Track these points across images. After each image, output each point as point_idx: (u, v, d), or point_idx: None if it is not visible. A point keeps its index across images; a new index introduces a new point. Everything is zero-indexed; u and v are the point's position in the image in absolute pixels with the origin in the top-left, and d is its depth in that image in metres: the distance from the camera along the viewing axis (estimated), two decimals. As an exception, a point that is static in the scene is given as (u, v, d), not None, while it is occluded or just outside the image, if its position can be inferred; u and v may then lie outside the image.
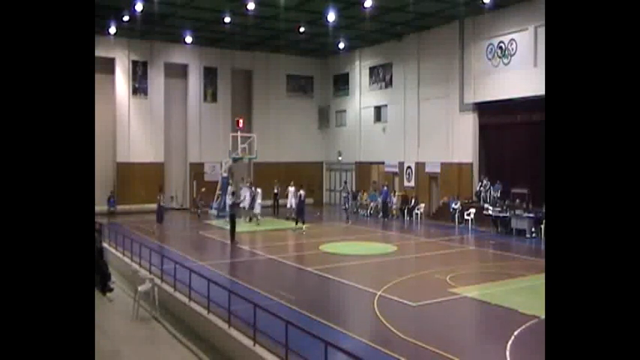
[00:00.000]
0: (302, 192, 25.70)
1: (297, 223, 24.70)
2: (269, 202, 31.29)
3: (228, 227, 22.31)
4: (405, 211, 29.51)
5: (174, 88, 34.92)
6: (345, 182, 34.42)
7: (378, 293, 13.38)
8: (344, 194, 31.51)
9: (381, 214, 30.10)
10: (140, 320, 12.64)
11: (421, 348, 9.73)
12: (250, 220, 27.02)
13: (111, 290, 14.69)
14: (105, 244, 17.89)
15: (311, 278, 15.81)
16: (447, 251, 20.12)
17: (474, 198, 27.36)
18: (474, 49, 27.50)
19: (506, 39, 25.77)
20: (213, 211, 28.74)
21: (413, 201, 29.55)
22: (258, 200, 26.75)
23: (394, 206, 30.37)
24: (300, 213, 24.96)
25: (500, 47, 26.08)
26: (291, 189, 28.75)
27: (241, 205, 26.48)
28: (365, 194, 32.39)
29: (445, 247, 20.99)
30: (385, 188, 30.54)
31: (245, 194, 27.45)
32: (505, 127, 26.80)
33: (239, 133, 30.46)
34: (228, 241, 21.34)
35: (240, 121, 31.33)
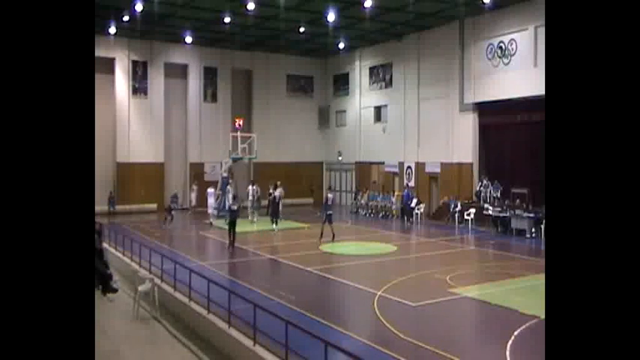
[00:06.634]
0: (276, 193, 25.99)
1: (275, 224, 24.76)
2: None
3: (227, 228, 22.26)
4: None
5: (174, 88, 34.92)
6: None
7: (378, 293, 13.38)
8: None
9: (392, 215, 29.88)
10: (140, 320, 12.64)
11: (421, 348, 9.73)
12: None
13: (115, 291, 14.59)
14: (105, 245, 17.87)
15: (311, 278, 15.81)
16: (447, 251, 20.12)
17: (474, 198, 27.36)
18: (474, 49, 27.50)
19: (506, 39, 25.77)
20: (214, 211, 28.75)
21: (415, 201, 29.45)
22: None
23: (394, 206, 30.33)
24: (274, 213, 25.17)
25: (500, 47, 26.08)
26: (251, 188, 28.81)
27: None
28: (365, 194, 32.33)
29: (445, 247, 20.99)
30: (406, 190, 29.79)
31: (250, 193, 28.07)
32: (505, 127, 26.81)
33: (239, 133, 30.46)
34: (227, 243, 21.17)
35: (239, 121, 31.30)
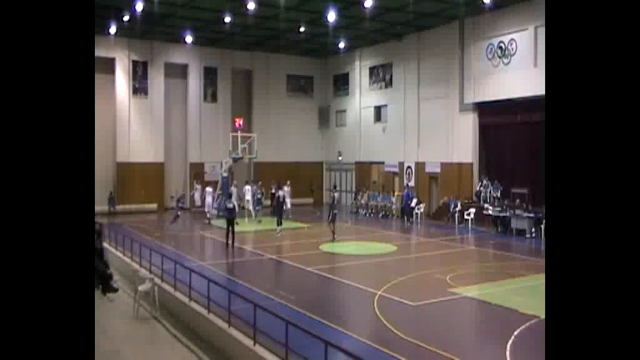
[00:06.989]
0: (280, 192, 25.97)
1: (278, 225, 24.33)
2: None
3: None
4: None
5: (175, 88, 34.94)
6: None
7: (378, 293, 13.38)
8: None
9: (392, 215, 29.85)
10: (140, 320, 12.64)
11: (421, 348, 9.73)
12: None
13: (116, 291, 14.57)
14: (105, 244, 17.87)
15: (311, 278, 15.81)
16: (447, 251, 20.11)
17: (474, 198, 27.36)
18: (474, 49, 27.50)
19: (506, 39, 25.77)
20: (214, 211, 28.80)
21: (415, 201, 29.41)
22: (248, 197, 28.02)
23: (394, 206, 30.33)
24: (277, 213, 24.86)
25: (500, 47, 26.08)
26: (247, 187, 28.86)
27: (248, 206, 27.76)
28: (365, 194, 32.30)
29: (445, 247, 20.99)
30: (406, 190, 29.64)
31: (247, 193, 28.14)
32: (505, 127, 26.81)
33: (239, 133, 30.46)
34: (225, 242, 21.11)
35: (239, 121, 31.30)
